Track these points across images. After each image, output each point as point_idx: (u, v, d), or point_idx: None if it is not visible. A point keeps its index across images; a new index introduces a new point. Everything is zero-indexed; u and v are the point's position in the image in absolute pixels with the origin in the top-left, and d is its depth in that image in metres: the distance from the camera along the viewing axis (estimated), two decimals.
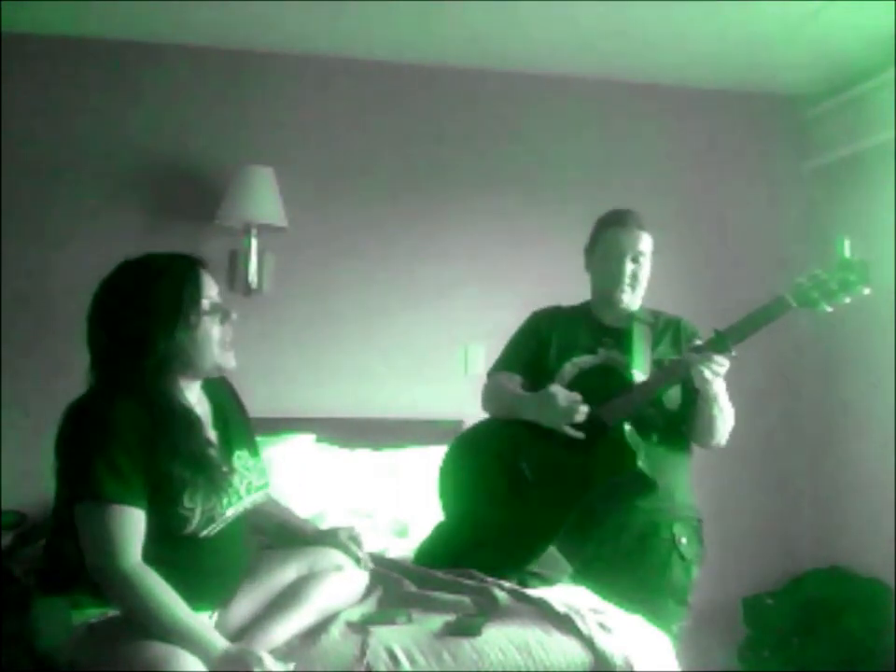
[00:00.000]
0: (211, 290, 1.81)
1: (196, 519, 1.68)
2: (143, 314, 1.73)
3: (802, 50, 3.43)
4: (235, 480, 1.79)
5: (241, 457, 1.85)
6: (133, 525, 1.62)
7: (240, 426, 1.93)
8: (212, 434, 1.82)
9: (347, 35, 3.44)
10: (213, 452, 1.77)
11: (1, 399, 3.26)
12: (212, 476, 1.72)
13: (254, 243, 3.40)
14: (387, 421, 3.53)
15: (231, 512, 1.75)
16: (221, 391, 1.93)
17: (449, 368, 3.63)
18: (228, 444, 1.84)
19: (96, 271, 3.39)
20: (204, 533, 1.71)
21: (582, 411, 2.19)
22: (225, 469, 1.77)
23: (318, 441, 3.33)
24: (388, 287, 3.62)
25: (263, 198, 3.34)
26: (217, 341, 1.79)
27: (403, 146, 3.68)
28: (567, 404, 2.19)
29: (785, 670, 3.44)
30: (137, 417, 1.67)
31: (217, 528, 1.73)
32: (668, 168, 3.83)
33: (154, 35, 3.44)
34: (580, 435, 2.19)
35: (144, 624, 1.58)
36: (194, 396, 1.83)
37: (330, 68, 3.64)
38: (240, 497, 1.79)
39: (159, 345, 1.71)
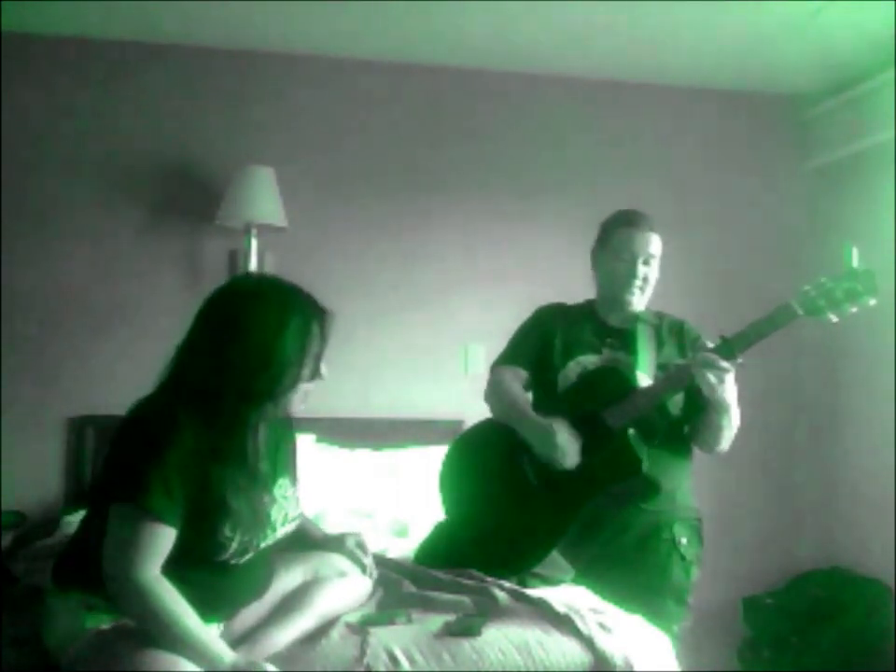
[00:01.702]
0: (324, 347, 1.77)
1: (233, 548, 1.67)
2: (266, 355, 1.65)
3: (802, 50, 3.43)
4: (273, 511, 1.76)
5: (281, 486, 1.82)
6: (164, 543, 1.59)
7: (287, 453, 1.91)
8: (263, 466, 1.78)
9: (347, 34, 3.43)
10: (262, 486, 1.74)
11: (1, 399, 3.26)
12: (256, 511, 1.70)
13: (254, 243, 3.40)
14: (387, 421, 3.53)
15: (264, 545, 1.75)
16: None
17: (449, 368, 3.63)
18: (274, 470, 1.81)
19: (96, 270, 3.43)
20: (234, 561, 1.70)
21: (573, 460, 2.16)
22: (267, 498, 1.75)
23: (318, 441, 3.32)
24: (388, 287, 3.62)
25: (263, 198, 3.34)
26: (302, 395, 1.76)
27: (403, 146, 3.68)
28: (563, 449, 2.16)
29: (785, 670, 3.44)
30: (203, 439, 1.63)
31: (248, 557, 1.72)
32: (668, 168, 3.82)
33: (155, 35, 3.44)
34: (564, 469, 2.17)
35: (152, 632, 1.57)
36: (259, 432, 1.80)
37: (330, 68, 3.64)
38: (274, 531, 1.77)
39: (266, 390, 1.67)
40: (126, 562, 1.56)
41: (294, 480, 1.89)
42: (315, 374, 1.76)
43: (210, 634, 1.61)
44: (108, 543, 1.59)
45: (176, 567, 1.61)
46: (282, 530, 1.80)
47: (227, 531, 1.65)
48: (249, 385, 1.66)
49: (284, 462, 1.87)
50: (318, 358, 1.74)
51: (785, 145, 3.95)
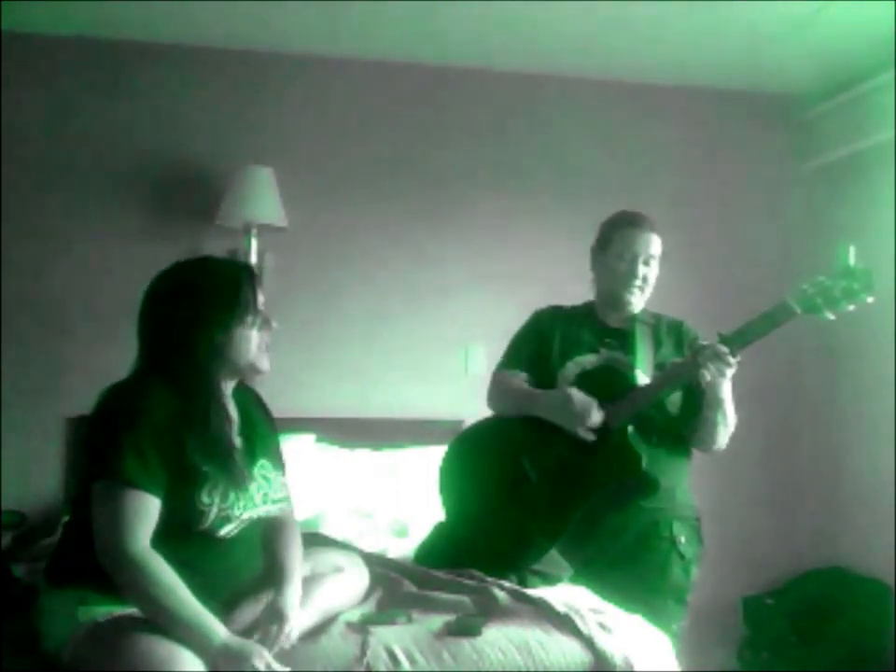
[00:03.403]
0: (260, 297, 1.86)
1: (212, 515, 1.70)
2: (201, 308, 1.78)
3: (802, 50, 3.43)
4: (252, 487, 1.80)
5: (263, 467, 1.87)
6: (148, 511, 1.63)
7: (266, 437, 1.94)
8: (237, 440, 1.83)
9: (347, 35, 3.44)
10: (237, 453, 1.79)
11: (1, 399, 3.26)
12: (232, 475, 1.74)
13: (254, 243, 3.39)
14: (387, 421, 3.53)
15: (245, 515, 1.77)
16: (251, 401, 1.96)
17: (449, 368, 3.63)
18: (251, 453, 1.85)
19: (96, 271, 3.44)
20: (220, 533, 1.72)
21: (596, 416, 2.18)
22: (245, 473, 1.79)
23: (318, 441, 3.33)
24: (389, 287, 3.62)
25: (263, 198, 3.34)
26: (255, 343, 1.84)
27: (403, 146, 3.68)
28: (583, 408, 2.19)
29: (785, 670, 3.44)
30: (171, 406, 1.70)
31: (232, 531, 1.74)
32: (668, 168, 3.83)
33: (154, 35, 3.44)
34: (592, 437, 2.19)
35: (146, 611, 1.59)
36: (226, 399, 1.86)
37: (330, 68, 3.64)
38: (255, 504, 1.80)
39: (211, 340, 1.76)
40: (114, 535, 1.60)
41: (278, 465, 1.93)
42: (264, 324, 1.86)
43: (203, 610, 1.61)
44: (96, 522, 1.63)
45: (164, 544, 1.63)
46: (264, 508, 1.83)
47: (204, 497, 1.69)
48: (188, 331, 1.76)
49: (263, 445, 1.91)
50: (256, 306, 1.83)
51: (785, 145, 3.95)
